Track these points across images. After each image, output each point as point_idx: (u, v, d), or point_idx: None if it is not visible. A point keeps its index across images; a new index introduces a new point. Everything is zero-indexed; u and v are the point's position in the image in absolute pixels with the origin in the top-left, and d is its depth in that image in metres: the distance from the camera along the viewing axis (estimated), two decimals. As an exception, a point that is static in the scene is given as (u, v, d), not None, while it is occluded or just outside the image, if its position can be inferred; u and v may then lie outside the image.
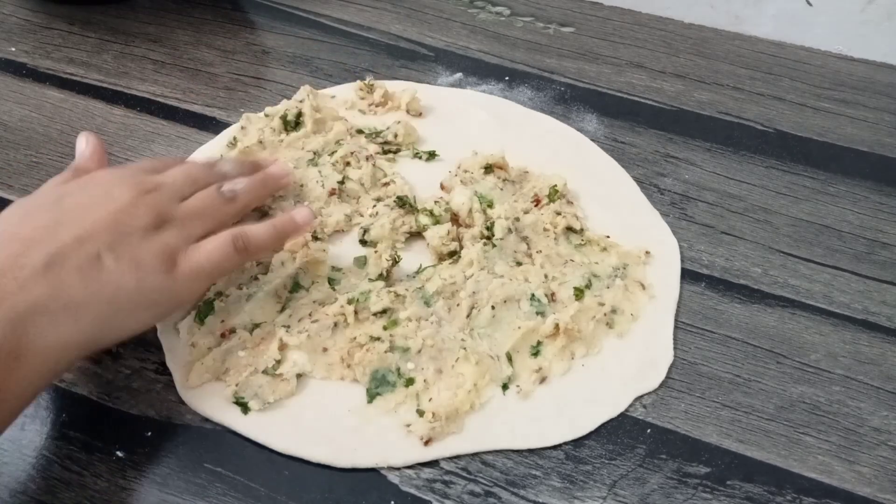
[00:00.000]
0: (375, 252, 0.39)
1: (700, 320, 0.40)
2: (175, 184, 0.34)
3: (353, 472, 0.33)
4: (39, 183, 0.44)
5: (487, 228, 0.41)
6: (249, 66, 0.55)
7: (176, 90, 0.52)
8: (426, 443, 0.33)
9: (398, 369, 0.35)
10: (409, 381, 0.35)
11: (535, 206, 0.43)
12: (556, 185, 0.43)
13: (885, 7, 0.58)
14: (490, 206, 0.42)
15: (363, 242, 0.41)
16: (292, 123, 0.47)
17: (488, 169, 0.44)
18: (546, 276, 0.39)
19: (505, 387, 0.35)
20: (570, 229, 0.42)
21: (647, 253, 0.41)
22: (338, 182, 0.43)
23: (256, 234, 0.35)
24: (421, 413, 0.34)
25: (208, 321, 0.37)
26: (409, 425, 0.34)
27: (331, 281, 0.39)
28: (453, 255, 0.40)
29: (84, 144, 0.36)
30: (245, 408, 0.34)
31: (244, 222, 0.37)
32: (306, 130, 0.46)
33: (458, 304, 0.37)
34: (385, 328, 0.36)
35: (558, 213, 0.42)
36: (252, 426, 0.33)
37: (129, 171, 0.35)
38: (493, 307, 0.37)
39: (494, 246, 0.39)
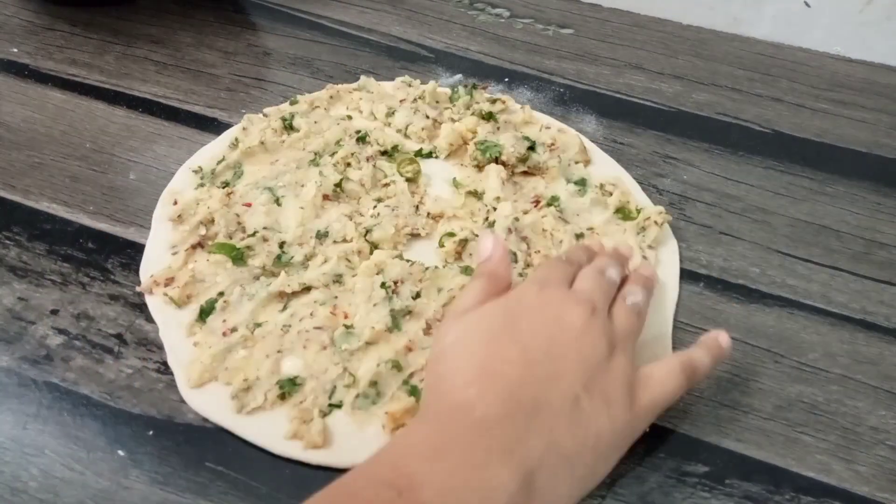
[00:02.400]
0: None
1: (698, 320, 0.40)
2: (600, 300, 0.32)
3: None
4: (41, 184, 0.45)
5: (489, 226, 0.41)
6: (251, 67, 0.55)
7: (178, 91, 0.52)
8: None
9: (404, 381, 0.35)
10: (413, 391, 0.35)
11: (535, 206, 0.43)
12: (556, 195, 0.44)
13: (883, 8, 0.58)
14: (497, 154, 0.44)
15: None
16: (289, 124, 0.47)
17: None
18: None
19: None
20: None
21: (644, 258, 0.41)
22: (338, 182, 0.43)
23: (701, 361, 0.32)
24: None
25: (210, 320, 0.37)
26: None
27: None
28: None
29: (492, 246, 0.34)
30: None
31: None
32: (308, 130, 0.47)
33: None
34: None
35: (563, 221, 0.42)
36: (252, 429, 0.33)
37: (554, 287, 0.32)
38: None
39: None
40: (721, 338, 0.34)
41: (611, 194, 0.44)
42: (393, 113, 0.48)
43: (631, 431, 0.29)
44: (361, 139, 0.46)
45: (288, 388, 0.35)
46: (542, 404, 0.26)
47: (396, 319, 0.37)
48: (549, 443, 0.26)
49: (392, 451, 0.26)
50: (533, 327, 0.29)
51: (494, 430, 0.25)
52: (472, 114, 0.48)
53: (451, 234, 0.41)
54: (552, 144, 0.47)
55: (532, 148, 0.46)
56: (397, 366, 0.35)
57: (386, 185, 0.44)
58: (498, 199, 0.43)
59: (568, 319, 0.30)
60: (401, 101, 0.49)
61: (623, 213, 0.44)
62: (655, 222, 0.42)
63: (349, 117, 0.49)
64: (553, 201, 0.43)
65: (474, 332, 0.29)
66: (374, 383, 0.35)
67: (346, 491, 0.24)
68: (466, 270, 0.39)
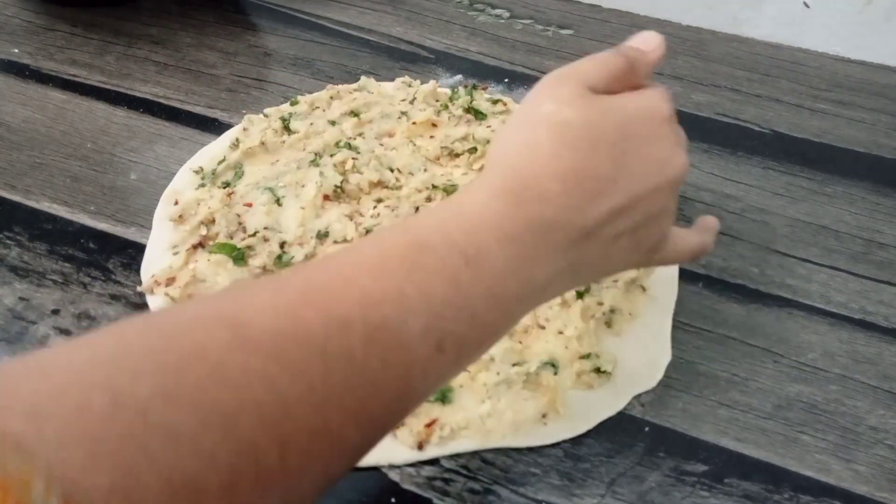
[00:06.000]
0: None
1: (698, 319, 0.40)
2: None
3: (353, 470, 0.33)
4: (42, 184, 0.45)
5: None
6: (251, 67, 0.55)
7: (178, 92, 0.52)
8: (419, 447, 0.33)
9: None
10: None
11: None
12: None
13: (882, 9, 0.58)
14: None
15: None
16: (288, 124, 0.47)
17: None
18: None
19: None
20: None
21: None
22: (338, 183, 0.43)
23: (707, 245, 0.33)
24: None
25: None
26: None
27: None
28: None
29: (655, 42, 0.31)
30: None
31: None
32: (307, 132, 0.47)
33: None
34: None
35: None
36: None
37: (674, 124, 0.30)
38: None
39: None
40: (711, 222, 0.35)
41: None
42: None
43: (628, 267, 0.31)
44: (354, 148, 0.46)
45: None
46: (596, 228, 0.26)
47: None
48: (576, 262, 0.26)
49: (467, 220, 0.25)
50: (640, 151, 0.27)
51: (558, 233, 0.25)
52: (465, 111, 0.49)
53: None
54: None
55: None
56: None
57: (386, 186, 0.44)
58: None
59: (673, 163, 0.28)
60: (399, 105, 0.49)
61: None
62: None
63: (334, 123, 0.48)
64: None
65: (580, 129, 0.26)
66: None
67: (422, 242, 0.24)
68: None
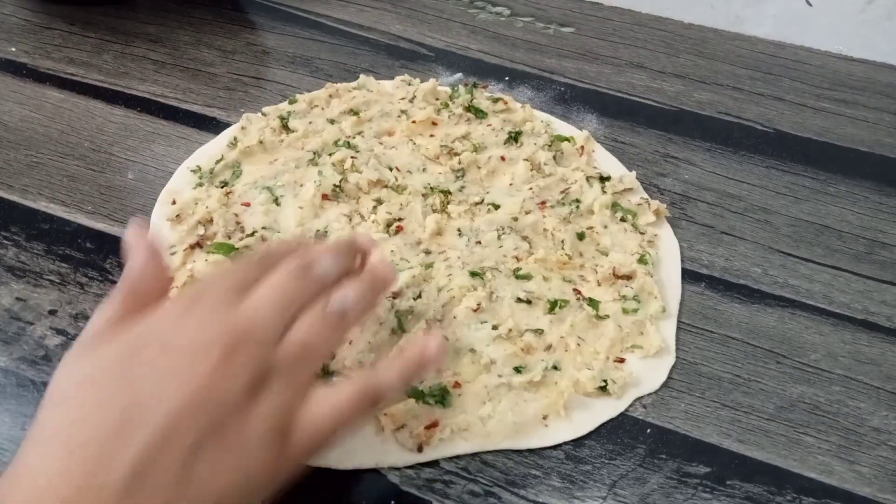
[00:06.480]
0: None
1: (700, 320, 0.40)
2: (268, 316, 0.25)
3: (353, 473, 0.33)
4: (39, 183, 0.45)
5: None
6: (249, 66, 0.55)
7: (176, 90, 0.52)
8: (418, 449, 0.33)
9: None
10: (413, 392, 0.34)
11: (541, 208, 0.43)
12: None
13: (885, 7, 0.58)
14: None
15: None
16: (286, 123, 0.47)
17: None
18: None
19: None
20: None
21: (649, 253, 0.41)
22: (336, 183, 0.43)
23: (389, 380, 0.27)
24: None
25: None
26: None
27: None
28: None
29: (137, 255, 0.27)
30: None
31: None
32: (305, 130, 0.47)
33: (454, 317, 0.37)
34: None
35: (566, 221, 0.42)
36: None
37: (207, 305, 0.25)
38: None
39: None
40: (430, 347, 0.28)
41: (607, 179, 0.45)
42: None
43: (284, 471, 0.25)
44: (352, 147, 0.46)
45: None
46: (139, 474, 0.22)
47: (401, 321, 0.37)
48: None
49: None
50: (147, 371, 0.23)
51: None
52: (466, 109, 0.48)
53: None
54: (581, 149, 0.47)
55: (515, 138, 0.47)
56: None
57: (385, 185, 0.44)
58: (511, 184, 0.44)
59: (198, 356, 0.23)
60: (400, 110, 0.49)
61: (621, 209, 0.43)
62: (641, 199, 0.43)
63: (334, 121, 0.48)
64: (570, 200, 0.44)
65: (72, 383, 0.24)
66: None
67: None
68: (472, 274, 0.39)
